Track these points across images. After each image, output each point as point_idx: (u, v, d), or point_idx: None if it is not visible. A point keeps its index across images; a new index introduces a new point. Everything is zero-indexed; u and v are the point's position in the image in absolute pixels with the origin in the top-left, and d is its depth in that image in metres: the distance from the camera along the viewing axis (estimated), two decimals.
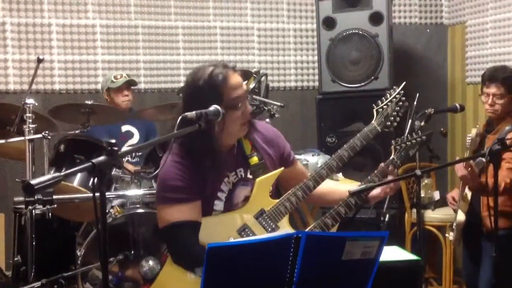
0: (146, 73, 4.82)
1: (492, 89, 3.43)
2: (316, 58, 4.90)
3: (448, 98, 5.30)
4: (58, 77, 4.60)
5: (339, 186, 2.59)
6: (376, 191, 2.39)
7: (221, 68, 2.24)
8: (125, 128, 4.34)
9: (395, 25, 5.00)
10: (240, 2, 5.05)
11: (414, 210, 4.18)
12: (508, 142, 2.42)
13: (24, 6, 4.49)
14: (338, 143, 4.48)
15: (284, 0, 5.16)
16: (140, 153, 4.19)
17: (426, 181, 4.41)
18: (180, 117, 2.06)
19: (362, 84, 4.63)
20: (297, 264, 1.77)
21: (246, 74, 3.59)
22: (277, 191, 2.44)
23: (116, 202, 3.66)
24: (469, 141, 3.35)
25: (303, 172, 2.54)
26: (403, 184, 4.29)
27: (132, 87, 4.38)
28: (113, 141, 1.75)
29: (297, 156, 2.77)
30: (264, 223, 2.28)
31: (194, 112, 2.07)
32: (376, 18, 4.58)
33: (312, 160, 4.11)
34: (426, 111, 3.38)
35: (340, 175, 4.09)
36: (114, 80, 4.27)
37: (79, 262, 3.43)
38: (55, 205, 3.07)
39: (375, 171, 2.39)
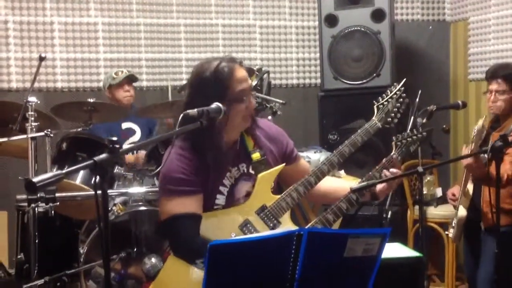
0: (148, 71, 4.83)
1: (494, 86, 3.45)
2: (318, 55, 4.89)
3: (450, 95, 5.29)
4: (60, 75, 4.61)
5: (344, 184, 2.59)
6: (380, 186, 2.39)
7: (228, 61, 2.27)
8: (125, 125, 4.34)
9: (397, 22, 4.99)
10: (242, 0, 5.04)
11: (417, 207, 4.19)
12: (511, 139, 2.42)
13: (26, 4, 4.50)
14: (340, 140, 4.44)
15: None
16: (142, 151, 4.19)
17: (428, 178, 4.41)
18: (181, 115, 2.08)
19: (364, 81, 4.62)
20: (299, 261, 1.77)
21: (248, 72, 3.58)
22: (278, 187, 2.44)
23: (118, 200, 3.67)
24: (475, 132, 3.34)
25: (307, 169, 2.54)
26: (406, 181, 4.29)
27: (134, 84, 4.38)
28: (115, 138, 1.75)
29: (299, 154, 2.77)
30: (265, 218, 2.29)
31: (195, 110, 2.09)
32: (378, 15, 4.57)
33: (314, 157, 4.11)
34: (428, 108, 3.39)
35: (342, 172, 4.09)
36: (115, 77, 4.27)
37: (81, 259, 3.44)
38: (58, 203, 3.07)
39: (376, 167, 2.40)
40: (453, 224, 3.48)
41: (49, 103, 3.90)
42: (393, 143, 2.43)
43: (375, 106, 2.51)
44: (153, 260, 3.46)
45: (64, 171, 1.66)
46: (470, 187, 3.47)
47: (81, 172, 3.53)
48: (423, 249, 2.70)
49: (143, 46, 4.81)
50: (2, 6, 4.44)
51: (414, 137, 2.44)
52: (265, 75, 3.95)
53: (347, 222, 2.37)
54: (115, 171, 3.59)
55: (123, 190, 3.57)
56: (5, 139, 3.34)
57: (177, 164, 2.22)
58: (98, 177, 1.69)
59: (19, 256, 3.36)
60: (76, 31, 4.63)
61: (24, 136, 3.28)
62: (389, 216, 3.52)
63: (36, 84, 3.85)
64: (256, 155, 2.35)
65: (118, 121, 4.22)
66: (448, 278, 4.22)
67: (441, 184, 4.60)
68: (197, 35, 4.94)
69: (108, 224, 1.74)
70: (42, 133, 3.29)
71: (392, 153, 2.42)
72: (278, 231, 2.19)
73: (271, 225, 2.28)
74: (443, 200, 4.28)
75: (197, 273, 2.16)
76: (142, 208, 3.55)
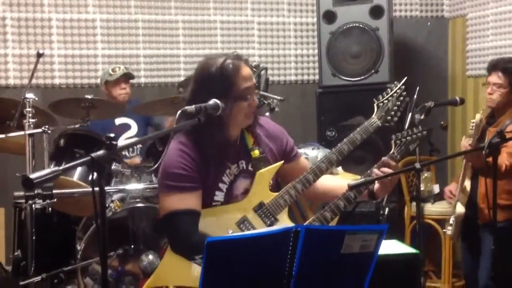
0: (146, 67, 4.82)
1: (493, 78, 3.46)
2: (316, 51, 4.89)
3: (448, 91, 5.29)
4: (58, 71, 4.60)
5: (342, 182, 2.59)
6: (378, 184, 2.38)
7: (234, 59, 2.27)
8: (120, 121, 4.32)
9: (395, 19, 4.99)
10: None
11: (414, 204, 4.18)
12: (507, 135, 2.42)
13: (24, 1, 4.48)
14: (338, 137, 4.48)
15: None
16: (139, 146, 4.19)
17: (426, 175, 4.41)
18: (179, 111, 2.08)
19: (363, 77, 4.62)
20: (296, 258, 1.77)
21: None
22: (276, 185, 2.44)
23: (116, 197, 3.66)
24: (473, 126, 3.33)
25: (306, 167, 2.53)
26: (403, 178, 4.29)
27: (131, 81, 4.38)
28: (112, 135, 1.75)
29: None
30: (263, 215, 2.29)
31: (193, 106, 2.11)
32: (376, 12, 4.57)
33: (312, 154, 4.11)
34: (426, 104, 3.38)
35: (339, 168, 4.09)
36: (112, 73, 4.26)
37: (79, 256, 3.44)
38: (55, 200, 3.08)
39: (375, 165, 2.40)
40: (451, 222, 3.47)
41: (46, 100, 3.90)
42: (393, 141, 2.42)
43: (375, 104, 2.51)
44: (150, 257, 3.47)
45: (61, 168, 1.66)
46: (467, 183, 3.48)
47: (79, 169, 3.52)
48: (420, 246, 2.72)
49: (141, 42, 4.80)
50: (0, 3, 4.43)
51: (414, 135, 2.43)
52: (263, 72, 3.94)
53: (344, 218, 2.36)
54: (112, 167, 3.58)
55: (121, 187, 3.57)
56: (2, 136, 3.34)
57: (178, 160, 2.22)
58: (95, 174, 1.69)
59: (16, 253, 3.36)
60: (74, 28, 4.62)
61: (22, 132, 3.27)
62: (386, 212, 3.53)
63: (34, 81, 3.86)
64: (255, 153, 2.35)
65: (112, 118, 4.22)
66: (445, 275, 4.22)
67: (438, 180, 4.60)
68: (195, 32, 4.93)
69: (106, 221, 1.74)
70: (39, 130, 3.29)
71: (391, 152, 2.41)
72: (275, 227, 2.19)
73: (269, 222, 2.28)
74: (440, 197, 4.28)
75: (195, 269, 2.16)
76: (140, 205, 3.55)
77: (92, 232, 3.45)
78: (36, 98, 3.36)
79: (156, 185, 3.40)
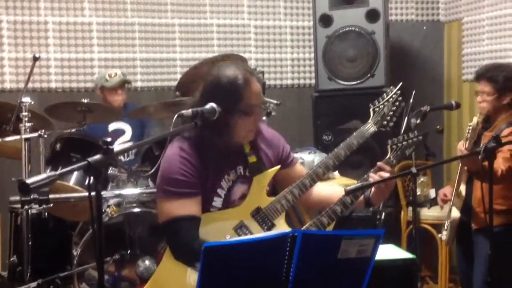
0: (142, 71, 4.82)
1: (480, 86, 3.47)
2: (312, 55, 4.89)
3: (444, 95, 5.30)
4: (55, 75, 4.60)
5: (339, 190, 2.58)
6: (374, 190, 2.38)
7: (246, 72, 2.27)
8: (113, 126, 4.29)
9: (391, 22, 5.00)
10: (236, 0, 5.04)
11: (410, 208, 4.19)
12: (503, 139, 2.43)
13: (20, 4, 4.48)
14: (335, 141, 4.48)
15: None
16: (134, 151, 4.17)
17: (422, 179, 4.41)
18: (176, 115, 2.09)
19: (359, 81, 4.62)
20: (293, 263, 1.77)
21: None
22: (273, 191, 2.44)
23: (112, 201, 3.65)
24: (469, 129, 3.34)
25: (303, 173, 2.54)
26: (399, 182, 4.30)
27: (126, 85, 4.37)
28: (109, 139, 1.75)
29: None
30: (260, 220, 2.29)
31: (190, 110, 2.12)
32: (372, 15, 4.57)
33: (309, 158, 4.11)
34: (422, 108, 3.39)
35: (336, 173, 4.09)
36: (108, 79, 4.25)
37: (75, 262, 3.43)
38: (51, 205, 3.07)
39: (372, 170, 2.40)
40: (446, 227, 3.47)
41: (43, 104, 3.89)
42: (389, 146, 2.43)
43: (371, 109, 2.52)
44: (147, 262, 3.46)
45: (57, 172, 1.66)
46: (463, 188, 3.48)
47: (75, 173, 3.52)
48: (416, 251, 2.72)
49: (138, 46, 4.79)
50: None
51: (410, 140, 2.44)
52: (259, 75, 3.94)
53: (341, 223, 2.36)
54: (109, 172, 3.57)
55: (117, 192, 3.56)
56: None
57: (178, 165, 2.22)
58: (92, 179, 1.69)
59: (12, 259, 3.35)
60: (70, 31, 4.61)
61: (18, 136, 3.27)
62: (382, 217, 3.53)
63: (30, 85, 3.84)
64: (252, 158, 2.36)
65: (107, 122, 4.20)
66: (442, 280, 4.22)
67: (434, 185, 4.61)
68: (192, 35, 4.93)
69: (102, 226, 1.73)
70: (36, 134, 3.29)
71: (387, 157, 2.42)
72: (272, 232, 2.19)
73: (266, 227, 2.28)
74: (436, 202, 4.28)
75: (192, 274, 2.16)
76: (136, 209, 3.54)
77: (89, 237, 3.43)
78: (32, 102, 3.35)
79: (153, 190, 3.40)
